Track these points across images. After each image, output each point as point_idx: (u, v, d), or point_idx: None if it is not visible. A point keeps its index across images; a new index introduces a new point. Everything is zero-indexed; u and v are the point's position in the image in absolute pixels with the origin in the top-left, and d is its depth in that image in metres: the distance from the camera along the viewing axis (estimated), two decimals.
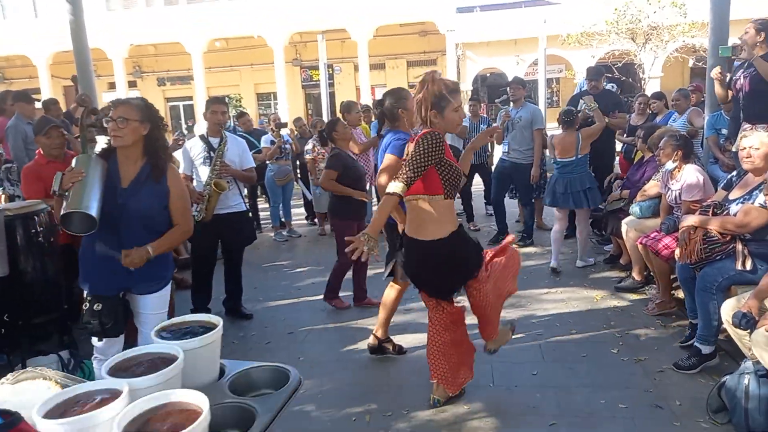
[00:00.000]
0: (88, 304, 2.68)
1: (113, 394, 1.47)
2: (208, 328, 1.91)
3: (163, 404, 1.46)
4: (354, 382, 3.52)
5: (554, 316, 4.36)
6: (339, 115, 6.35)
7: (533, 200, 6.72)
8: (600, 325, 4.14)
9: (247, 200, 4.94)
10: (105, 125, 2.73)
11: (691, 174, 4.17)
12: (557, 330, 4.10)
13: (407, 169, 2.66)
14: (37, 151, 4.12)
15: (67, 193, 2.56)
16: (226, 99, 20.65)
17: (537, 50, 19.46)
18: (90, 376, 3.43)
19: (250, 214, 5.82)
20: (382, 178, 3.31)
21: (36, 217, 3.37)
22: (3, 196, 5.01)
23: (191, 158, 4.44)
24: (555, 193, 5.50)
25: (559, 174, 5.50)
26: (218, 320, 1.93)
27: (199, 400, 1.45)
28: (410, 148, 2.78)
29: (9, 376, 1.63)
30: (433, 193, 2.78)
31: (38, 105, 7.04)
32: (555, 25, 18.21)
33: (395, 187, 2.62)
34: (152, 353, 1.74)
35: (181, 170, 4.31)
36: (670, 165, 4.33)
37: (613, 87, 7.42)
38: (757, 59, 4.42)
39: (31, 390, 1.59)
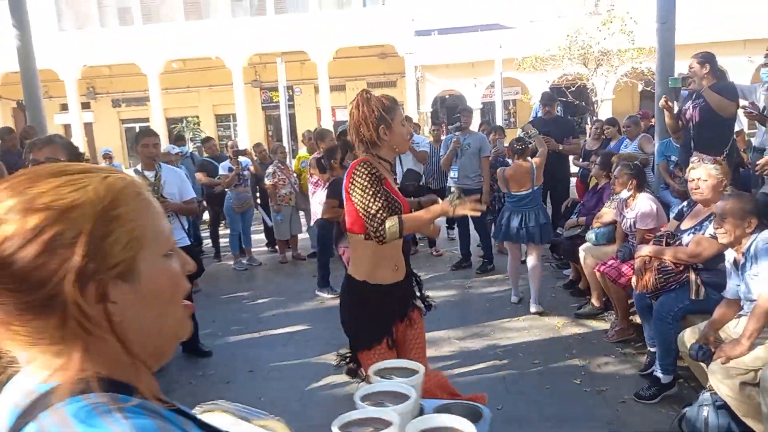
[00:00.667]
0: None
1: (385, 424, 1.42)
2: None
3: None
4: (319, 423, 3.42)
5: (517, 345, 4.38)
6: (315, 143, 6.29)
7: (485, 224, 6.78)
8: (562, 353, 4.17)
9: (208, 228, 4.81)
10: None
11: (644, 203, 4.28)
12: (521, 360, 4.10)
13: (367, 207, 2.24)
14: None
15: None
16: (184, 121, 20.20)
17: (493, 73, 19.90)
18: None
19: (199, 246, 5.63)
20: None
21: None
22: None
23: None
24: (509, 228, 5.20)
25: (513, 207, 5.22)
26: (419, 367, 1.75)
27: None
28: (346, 184, 2.35)
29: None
30: (352, 232, 2.39)
31: None
32: (510, 49, 18.66)
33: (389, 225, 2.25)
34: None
35: None
36: (624, 194, 4.45)
37: (559, 111, 7.65)
38: (707, 90, 4.60)
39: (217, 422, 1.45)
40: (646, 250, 3.64)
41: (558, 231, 6.00)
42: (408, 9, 21.94)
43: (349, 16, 21.81)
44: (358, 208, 2.27)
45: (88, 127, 24.12)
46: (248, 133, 21.43)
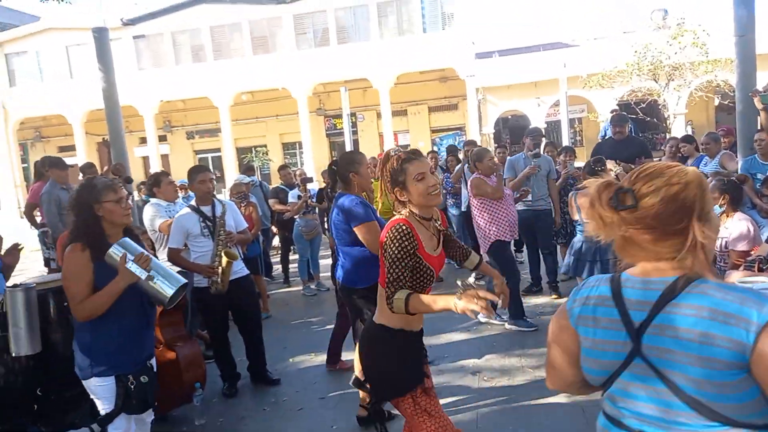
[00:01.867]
0: (121, 386, 2.66)
1: None
2: None
3: None
4: None
5: None
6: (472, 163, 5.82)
7: (554, 246, 6.59)
8: None
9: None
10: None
11: (740, 223, 4.01)
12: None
13: (388, 273, 2.24)
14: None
15: (152, 275, 2.64)
16: (254, 150, 21.05)
17: (557, 92, 19.52)
18: None
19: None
20: (370, 240, 3.39)
21: None
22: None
23: (186, 231, 4.34)
24: (579, 261, 4.93)
25: (587, 238, 4.76)
26: None
27: None
28: (381, 239, 2.35)
29: None
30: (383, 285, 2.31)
31: (75, 164, 7.27)
32: (575, 67, 18.30)
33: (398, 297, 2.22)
34: None
35: (172, 243, 4.31)
36: (716, 210, 4.20)
37: (630, 130, 7.32)
38: None
39: None
40: (736, 276, 3.41)
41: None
42: (468, 32, 22.01)
43: (410, 42, 22.10)
44: (385, 269, 2.28)
45: (164, 158, 25.48)
46: (313, 160, 21.94)
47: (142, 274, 2.61)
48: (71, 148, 24.02)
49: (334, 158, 3.80)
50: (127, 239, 2.70)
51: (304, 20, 23.06)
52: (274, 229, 8.67)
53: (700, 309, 1.21)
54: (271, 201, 7.81)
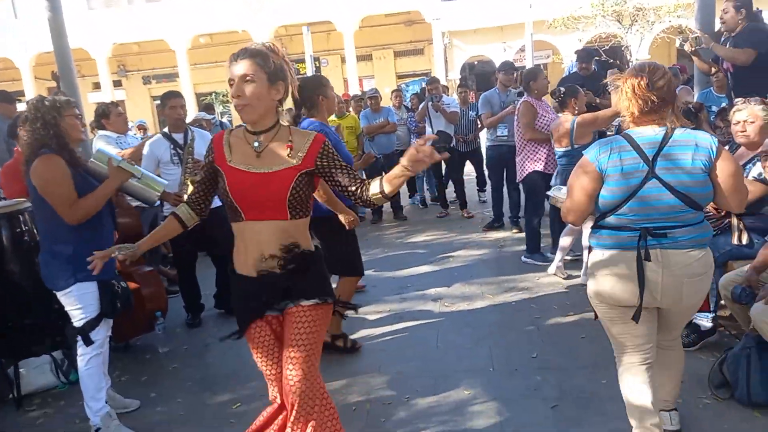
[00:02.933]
0: (107, 291, 2.81)
1: None
2: None
3: None
4: (351, 372, 3.48)
5: (552, 298, 4.34)
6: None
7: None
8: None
9: None
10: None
11: None
12: (554, 312, 4.07)
13: None
14: (15, 149, 4.02)
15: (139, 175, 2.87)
16: (214, 95, 20.45)
17: (523, 36, 19.39)
18: None
19: None
20: None
21: (20, 216, 3.30)
22: None
23: (157, 157, 4.31)
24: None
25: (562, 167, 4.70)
26: None
27: None
28: None
29: None
30: None
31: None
32: (540, 10, 18.13)
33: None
34: None
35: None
36: None
37: (594, 68, 7.34)
38: (715, 46, 4.54)
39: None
40: None
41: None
42: None
43: None
44: None
45: (120, 104, 24.50)
46: None
47: (135, 173, 2.77)
48: (20, 94, 22.87)
49: (299, 82, 3.65)
50: (102, 148, 2.77)
51: None
52: None
53: (687, 141, 2.12)
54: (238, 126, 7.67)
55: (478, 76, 24.11)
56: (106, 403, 2.90)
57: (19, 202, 3.37)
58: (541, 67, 22.93)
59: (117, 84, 24.40)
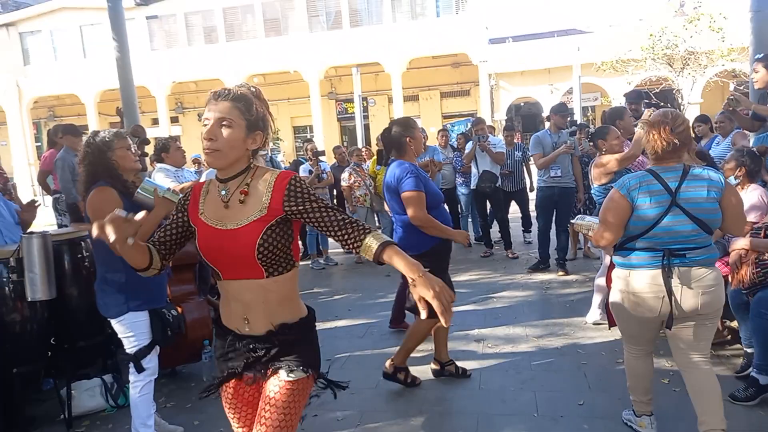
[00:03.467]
0: (157, 319, 2.88)
1: None
2: None
3: None
4: (394, 409, 3.45)
5: (600, 344, 4.21)
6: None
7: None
8: None
9: None
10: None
11: (753, 193, 3.97)
12: (602, 359, 3.95)
13: None
14: None
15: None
16: None
17: (571, 78, 19.36)
18: None
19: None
20: (411, 211, 3.40)
21: (82, 243, 3.46)
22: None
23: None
24: None
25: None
26: None
27: None
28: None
29: None
30: None
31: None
32: (589, 53, 18.14)
33: None
34: None
35: None
36: (732, 181, 4.15)
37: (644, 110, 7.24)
38: (756, 106, 4.44)
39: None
40: (741, 243, 3.41)
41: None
42: (482, 17, 21.86)
43: (423, 27, 22.00)
44: None
45: (177, 139, 25.59)
46: (324, 144, 21.97)
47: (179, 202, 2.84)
48: (84, 128, 24.19)
49: (389, 123, 3.74)
50: (149, 178, 2.85)
51: (317, 2, 23.01)
52: None
53: (702, 176, 2.56)
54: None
55: (524, 117, 24.13)
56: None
57: (80, 230, 3.54)
58: (590, 109, 22.76)
59: (174, 120, 25.54)
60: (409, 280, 1.60)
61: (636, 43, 16.28)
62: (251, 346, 1.80)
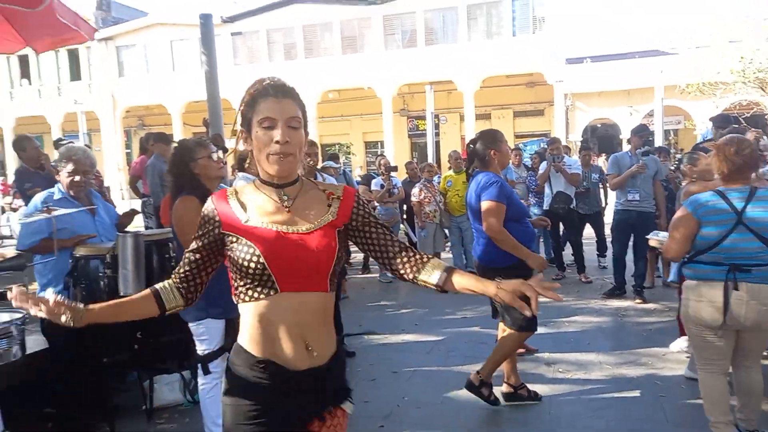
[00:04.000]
0: (228, 328, 2.93)
1: None
2: None
3: None
4: (457, 426, 3.41)
5: (680, 377, 3.99)
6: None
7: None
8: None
9: None
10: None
11: None
12: (682, 392, 3.74)
13: None
14: None
15: None
16: (337, 146, 21.54)
17: (652, 100, 18.69)
18: None
19: None
20: (486, 221, 3.38)
21: (170, 243, 3.65)
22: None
23: None
24: None
25: None
26: None
27: None
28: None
29: None
30: None
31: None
32: (673, 75, 17.44)
33: None
34: None
35: None
36: None
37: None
38: None
39: None
40: None
41: None
42: (559, 37, 21.53)
43: (498, 46, 21.90)
44: None
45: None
46: (395, 160, 22.19)
47: None
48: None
49: (475, 136, 3.78)
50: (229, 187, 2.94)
51: (393, 21, 23.40)
52: None
53: (767, 198, 2.73)
54: (361, 188, 8.03)
55: (600, 138, 23.43)
56: None
57: (168, 231, 3.74)
58: (672, 132, 21.83)
59: None
60: (493, 296, 1.51)
61: (724, 66, 15.49)
62: (314, 383, 1.54)
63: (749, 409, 2.93)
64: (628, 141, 6.48)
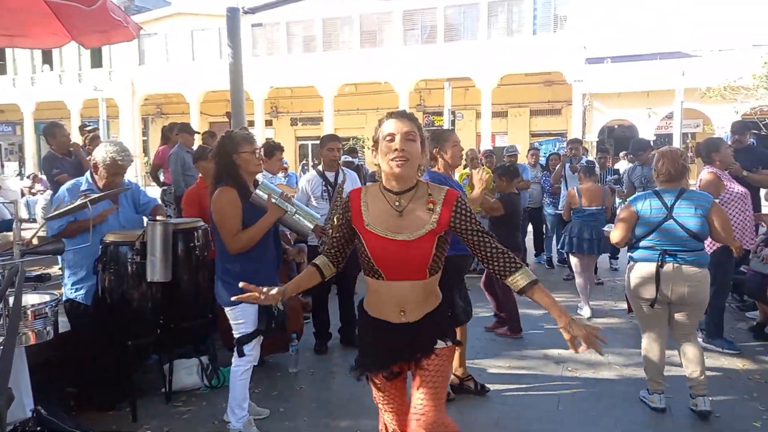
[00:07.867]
0: (265, 311, 3.06)
1: None
2: None
3: None
4: (469, 422, 3.50)
5: None
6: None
7: None
8: (741, 395, 3.79)
9: None
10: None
11: None
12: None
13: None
14: (199, 176, 4.60)
15: (294, 210, 3.17)
16: (352, 140, 21.65)
17: (671, 103, 18.54)
18: (225, 382, 3.73)
19: None
20: None
21: (195, 233, 3.76)
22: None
23: (309, 192, 4.69)
24: (580, 239, 5.73)
25: (583, 221, 5.79)
26: None
27: None
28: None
29: None
30: None
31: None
32: (694, 78, 17.29)
33: None
34: None
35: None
36: None
37: (752, 142, 6.84)
38: None
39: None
40: None
41: (742, 269, 5.45)
42: (580, 36, 21.38)
43: (518, 44, 21.82)
44: None
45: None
46: None
47: (288, 209, 3.03)
48: None
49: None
50: (266, 182, 3.04)
51: (414, 16, 23.39)
52: None
53: (693, 197, 3.48)
54: (369, 184, 8.10)
55: (617, 140, 23.29)
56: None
57: (195, 221, 3.85)
58: (690, 135, 21.65)
59: (268, 123, 26.73)
60: (561, 323, 1.94)
61: (747, 70, 15.33)
62: (406, 332, 2.10)
63: (695, 377, 3.46)
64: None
